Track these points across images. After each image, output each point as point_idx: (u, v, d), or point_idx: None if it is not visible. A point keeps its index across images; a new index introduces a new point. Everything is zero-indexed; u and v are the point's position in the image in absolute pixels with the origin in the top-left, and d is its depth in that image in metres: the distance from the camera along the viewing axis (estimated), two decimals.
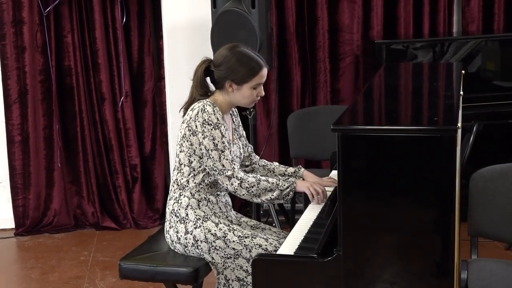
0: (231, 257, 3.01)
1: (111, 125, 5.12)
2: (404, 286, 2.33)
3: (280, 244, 2.79)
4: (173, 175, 3.16)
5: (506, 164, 3.16)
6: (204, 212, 3.08)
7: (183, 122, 3.09)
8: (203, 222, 3.05)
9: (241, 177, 3.01)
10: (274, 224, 4.37)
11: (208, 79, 3.15)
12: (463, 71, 3.44)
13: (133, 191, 5.24)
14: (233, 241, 3.00)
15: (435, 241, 2.30)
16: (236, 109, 3.32)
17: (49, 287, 4.24)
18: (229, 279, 3.02)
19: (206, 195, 3.10)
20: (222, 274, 3.03)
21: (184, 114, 3.13)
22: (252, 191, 3.01)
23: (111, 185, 5.20)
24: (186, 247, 3.07)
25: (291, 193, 3.04)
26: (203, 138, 3.00)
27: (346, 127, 2.38)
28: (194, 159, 3.06)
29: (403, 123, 2.51)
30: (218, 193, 3.15)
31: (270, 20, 4.34)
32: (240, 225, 3.19)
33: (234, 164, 3.03)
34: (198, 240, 3.03)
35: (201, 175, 3.08)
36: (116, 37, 5.06)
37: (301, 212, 3.15)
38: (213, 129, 3.00)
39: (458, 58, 4.83)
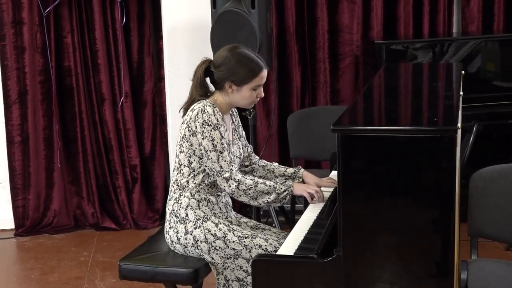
0: (231, 258, 3.01)
1: (111, 126, 5.12)
2: (404, 286, 2.33)
3: (280, 245, 2.79)
4: (173, 175, 3.16)
5: (506, 164, 3.16)
6: (204, 212, 3.08)
7: (183, 123, 3.08)
8: (203, 222, 3.05)
9: (238, 179, 3.01)
10: (274, 225, 4.36)
11: (208, 80, 3.15)
12: (463, 72, 3.44)
13: (133, 191, 5.23)
14: (233, 242, 2.99)
15: (435, 242, 2.30)
16: (235, 109, 3.31)
17: None
18: (229, 280, 3.02)
19: (206, 195, 3.10)
20: (222, 274, 3.03)
21: (184, 114, 3.13)
22: (249, 194, 3.01)
23: (111, 186, 5.20)
24: (186, 247, 3.07)
25: (288, 196, 3.04)
26: (203, 139, 3.00)
27: (346, 127, 2.38)
28: (194, 160, 3.06)
29: (403, 123, 2.50)
30: (218, 193, 3.15)
31: (270, 21, 4.34)
32: (240, 225, 3.19)
33: (232, 165, 3.03)
34: (198, 240, 3.03)
35: (201, 176, 3.08)
36: (116, 38, 5.06)
37: (301, 212, 3.15)
38: (212, 130, 2.99)
39: (458, 58, 4.83)
